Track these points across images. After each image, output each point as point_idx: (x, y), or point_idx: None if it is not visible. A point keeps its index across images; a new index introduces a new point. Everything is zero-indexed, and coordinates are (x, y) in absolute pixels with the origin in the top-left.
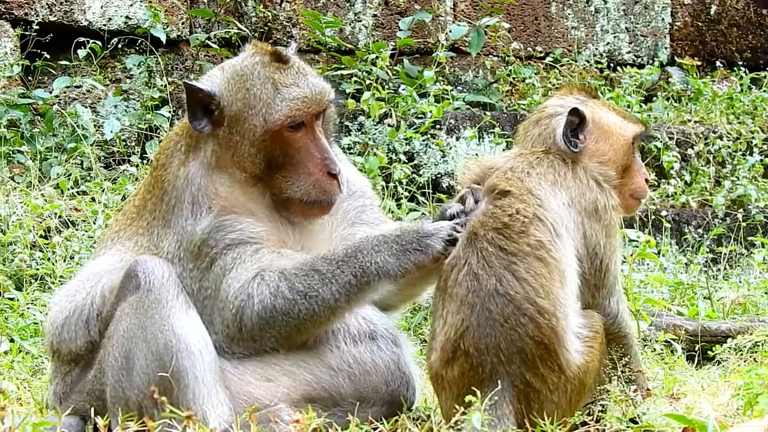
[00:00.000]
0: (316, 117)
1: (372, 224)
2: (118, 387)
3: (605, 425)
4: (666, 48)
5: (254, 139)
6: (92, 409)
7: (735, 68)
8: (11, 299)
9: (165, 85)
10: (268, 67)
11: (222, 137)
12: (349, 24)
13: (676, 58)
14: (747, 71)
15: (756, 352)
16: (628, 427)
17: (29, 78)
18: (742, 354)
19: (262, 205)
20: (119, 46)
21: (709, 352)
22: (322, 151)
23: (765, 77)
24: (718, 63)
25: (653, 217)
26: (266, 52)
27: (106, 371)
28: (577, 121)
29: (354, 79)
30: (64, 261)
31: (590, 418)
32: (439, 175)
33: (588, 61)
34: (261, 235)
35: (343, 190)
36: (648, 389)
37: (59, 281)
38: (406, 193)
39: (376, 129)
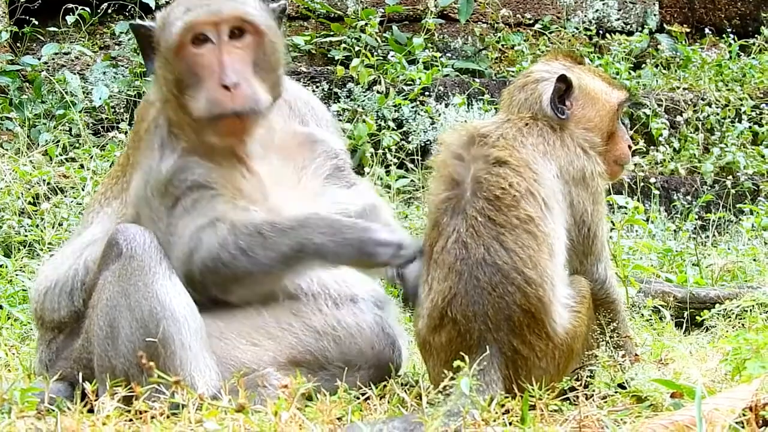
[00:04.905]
0: (232, 36)
1: (344, 186)
2: (105, 356)
3: (593, 390)
4: (655, 15)
5: (166, 62)
6: (80, 374)
7: (724, 35)
8: (0, 266)
9: None
10: None
11: (157, 71)
12: None
13: (665, 25)
14: (736, 38)
15: (744, 318)
16: (616, 392)
17: (18, 44)
18: (730, 320)
19: (221, 149)
20: (108, 12)
21: (697, 318)
22: (221, 64)
23: (754, 44)
24: (707, 30)
25: (642, 184)
26: None
27: (92, 340)
28: (564, 88)
29: (343, 45)
30: (53, 228)
31: (578, 383)
32: (428, 142)
33: (577, 28)
34: (218, 181)
35: (244, 103)
36: (636, 355)
37: (48, 248)
38: (395, 160)
39: (365, 96)
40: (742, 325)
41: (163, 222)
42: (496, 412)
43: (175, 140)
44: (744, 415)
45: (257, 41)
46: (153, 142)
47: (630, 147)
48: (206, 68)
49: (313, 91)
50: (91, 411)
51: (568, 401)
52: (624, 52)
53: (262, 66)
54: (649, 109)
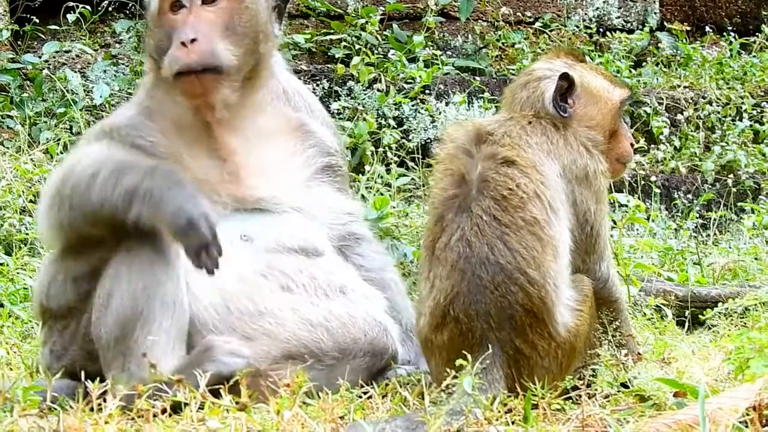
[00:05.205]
0: (205, 2)
1: (336, 189)
2: (97, 323)
3: (596, 389)
4: (655, 13)
5: (149, 29)
6: (82, 372)
7: (724, 33)
8: (1, 264)
9: None
10: None
11: (146, 40)
12: None
13: (665, 23)
14: (736, 36)
15: (746, 317)
16: (619, 391)
17: (18, 43)
18: (732, 319)
19: (190, 116)
20: (109, 10)
21: (700, 317)
22: (184, 24)
23: (754, 42)
24: (707, 28)
25: (642, 182)
26: None
27: (92, 310)
28: (566, 86)
29: (343, 44)
30: None
31: (581, 382)
32: (429, 140)
33: (577, 26)
34: (163, 155)
35: (199, 58)
36: (639, 353)
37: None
38: (396, 158)
39: (365, 94)
40: (744, 324)
41: (81, 148)
42: (499, 411)
43: (148, 100)
44: (747, 414)
45: (230, 6)
46: (131, 100)
47: (632, 145)
48: (177, 31)
49: (314, 89)
50: (92, 409)
51: (570, 400)
52: (624, 50)
53: (235, 30)
54: (650, 107)
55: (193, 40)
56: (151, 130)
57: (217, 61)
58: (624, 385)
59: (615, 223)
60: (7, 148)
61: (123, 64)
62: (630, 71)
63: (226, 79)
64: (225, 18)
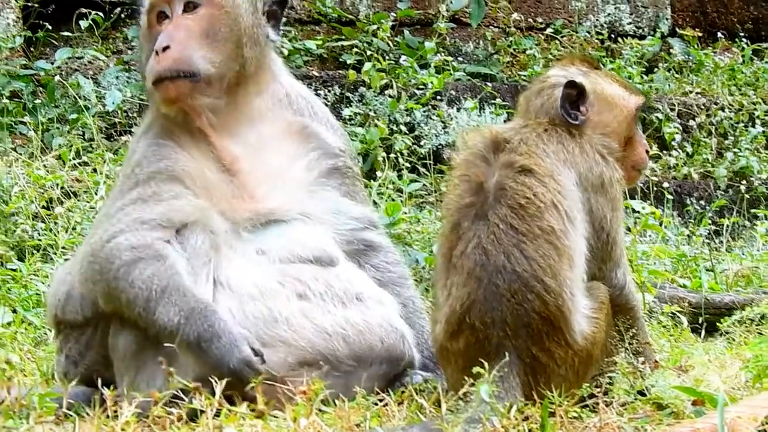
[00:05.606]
0: (186, 10)
1: (345, 194)
2: (116, 334)
3: (613, 397)
4: (667, 19)
5: (142, 44)
6: (99, 380)
7: (736, 39)
8: (14, 270)
9: None
10: None
11: None
12: None
13: (677, 29)
14: (749, 42)
15: (762, 324)
16: (636, 399)
17: (31, 49)
18: (747, 326)
19: (182, 126)
20: (121, 16)
21: (718, 324)
22: (162, 33)
23: (767, 48)
24: (719, 34)
25: (655, 188)
26: None
27: (113, 322)
28: (575, 93)
29: (355, 50)
30: (66, 232)
31: (598, 390)
32: (440, 146)
33: (589, 32)
34: (189, 174)
35: (171, 64)
36: (656, 361)
37: (61, 252)
38: (407, 164)
39: (377, 100)
40: (760, 332)
41: (115, 200)
42: (516, 419)
43: (156, 120)
44: (766, 422)
45: (209, 12)
46: (143, 124)
47: (647, 152)
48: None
49: (325, 95)
50: (108, 417)
51: (587, 408)
52: (636, 56)
53: (215, 36)
54: (662, 113)
55: (165, 48)
56: (169, 150)
57: (193, 67)
58: (641, 392)
59: (629, 229)
60: (20, 154)
61: (135, 70)
62: (642, 77)
63: (207, 86)
64: (204, 25)
